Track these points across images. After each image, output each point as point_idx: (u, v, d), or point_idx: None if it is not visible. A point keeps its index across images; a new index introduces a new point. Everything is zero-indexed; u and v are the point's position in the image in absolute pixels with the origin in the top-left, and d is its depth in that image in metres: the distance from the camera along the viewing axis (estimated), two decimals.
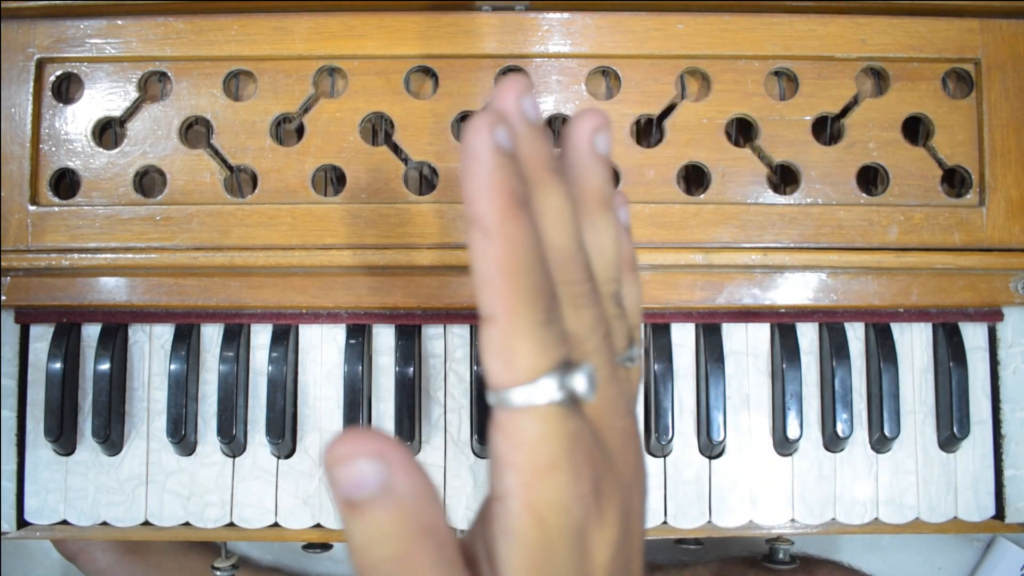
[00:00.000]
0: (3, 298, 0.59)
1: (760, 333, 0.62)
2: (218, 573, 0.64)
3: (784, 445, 0.60)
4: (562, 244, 0.30)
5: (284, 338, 0.60)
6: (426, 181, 0.63)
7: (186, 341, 0.60)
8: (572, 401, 0.28)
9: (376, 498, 0.26)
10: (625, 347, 0.35)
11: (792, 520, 0.61)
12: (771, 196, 0.60)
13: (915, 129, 0.62)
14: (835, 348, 0.60)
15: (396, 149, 0.60)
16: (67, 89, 0.61)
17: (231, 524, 0.60)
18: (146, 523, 0.60)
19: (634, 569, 0.33)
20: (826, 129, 0.62)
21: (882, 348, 0.60)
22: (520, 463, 0.28)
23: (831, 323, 0.61)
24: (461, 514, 0.60)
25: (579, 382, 0.28)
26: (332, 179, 0.63)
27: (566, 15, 0.60)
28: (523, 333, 0.27)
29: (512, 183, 0.27)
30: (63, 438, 0.59)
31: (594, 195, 0.34)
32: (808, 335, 0.62)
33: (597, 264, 0.33)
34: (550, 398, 0.27)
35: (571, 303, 0.30)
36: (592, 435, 0.30)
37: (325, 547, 0.66)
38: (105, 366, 0.59)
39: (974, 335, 0.62)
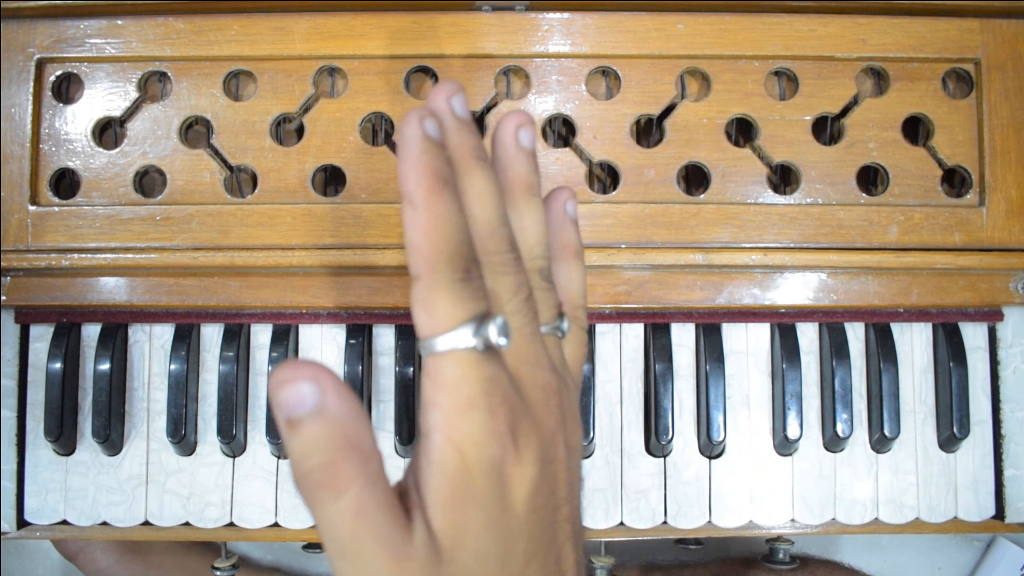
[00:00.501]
0: (3, 298, 0.59)
1: (760, 333, 0.62)
2: (218, 573, 0.64)
3: (784, 445, 0.60)
4: (485, 219, 0.35)
5: (284, 338, 0.60)
6: None
7: (186, 341, 0.60)
8: (488, 348, 0.32)
9: (311, 415, 0.30)
10: (553, 318, 0.39)
11: (792, 520, 0.61)
12: (771, 196, 0.60)
13: (915, 129, 0.62)
14: (835, 348, 0.60)
15: (396, 149, 0.60)
16: (67, 89, 0.61)
17: (231, 524, 0.60)
18: (146, 523, 0.60)
19: (561, 516, 0.36)
20: (826, 129, 0.62)
21: (882, 348, 0.60)
22: (442, 402, 0.32)
23: (831, 323, 0.61)
24: None
25: (493, 331, 0.32)
26: (332, 179, 0.63)
27: (566, 15, 0.60)
28: (443, 288, 0.32)
29: (436, 165, 0.32)
30: (63, 438, 0.59)
31: (518, 183, 0.39)
32: (808, 335, 0.62)
33: (522, 243, 0.39)
34: (467, 344, 0.32)
35: (492, 269, 0.35)
36: (511, 383, 0.34)
37: None
38: (105, 366, 0.59)
39: (974, 335, 0.62)
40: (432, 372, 0.32)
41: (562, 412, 0.36)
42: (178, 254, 0.58)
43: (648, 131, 0.63)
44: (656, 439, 0.59)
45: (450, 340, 0.32)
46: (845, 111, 0.61)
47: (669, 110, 0.61)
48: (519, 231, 0.39)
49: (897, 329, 0.61)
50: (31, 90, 0.59)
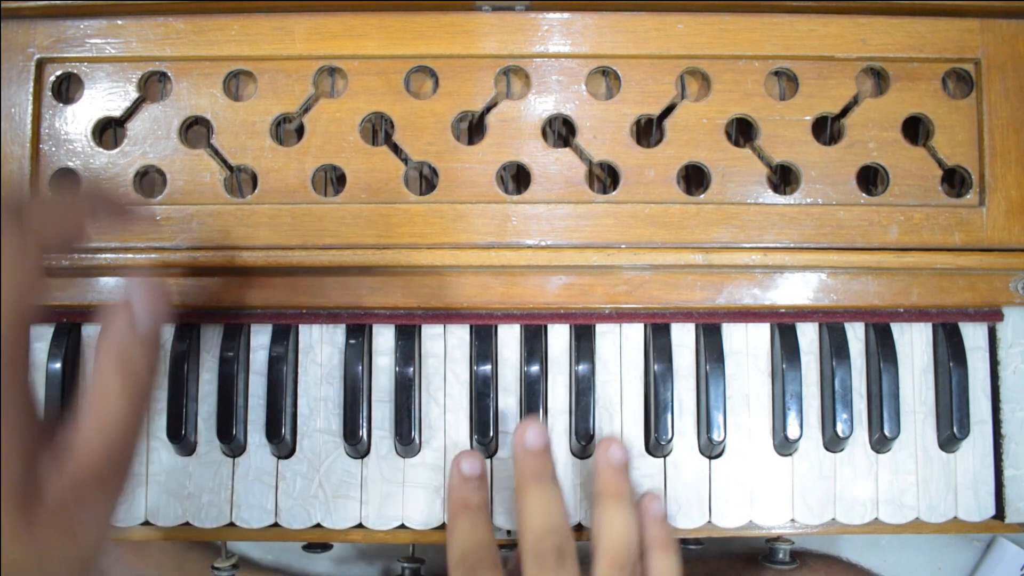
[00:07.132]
0: None
1: (760, 333, 0.62)
2: (218, 573, 0.64)
3: (784, 445, 0.60)
4: (534, 528, 0.50)
5: (284, 338, 0.60)
6: (426, 181, 0.63)
7: (186, 341, 0.60)
8: None
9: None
10: None
11: (792, 520, 0.61)
12: (771, 196, 0.60)
13: (915, 129, 0.62)
14: (835, 348, 0.60)
15: (396, 149, 0.60)
16: (67, 89, 0.61)
17: (231, 524, 0.60)
18: (146, 523, 0.60)
19: None
20: (826, 129, 0.62)
21: (882, 348, 0.60)
22: None
23: (831, 323, 0.61)
24: None
25: None
26: (332, 179, 0.63)
27: (566, 15, 0.60)
28: None
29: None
30: None
31: (608, 490, 0.54)
32: (808, 335, 0.61)
33: (608, 538, 0.52)
34: None
35: (538, 570, 0.49)
36: None
37: (325, 547, 0.66)
38: None
39: (974, 335, 0.62)
40: None
41: None
42: (178, 254, 0.58)
43: (648, 131, 0.63)
44: (656, 439, 0.59)
45: None
46: (845, 111, 0.61)
47: (669, 110, 0.61)
48: (607, 527, 0.52)
49: (897, 329, 0.61)
50: (31, 90, 0.59)
